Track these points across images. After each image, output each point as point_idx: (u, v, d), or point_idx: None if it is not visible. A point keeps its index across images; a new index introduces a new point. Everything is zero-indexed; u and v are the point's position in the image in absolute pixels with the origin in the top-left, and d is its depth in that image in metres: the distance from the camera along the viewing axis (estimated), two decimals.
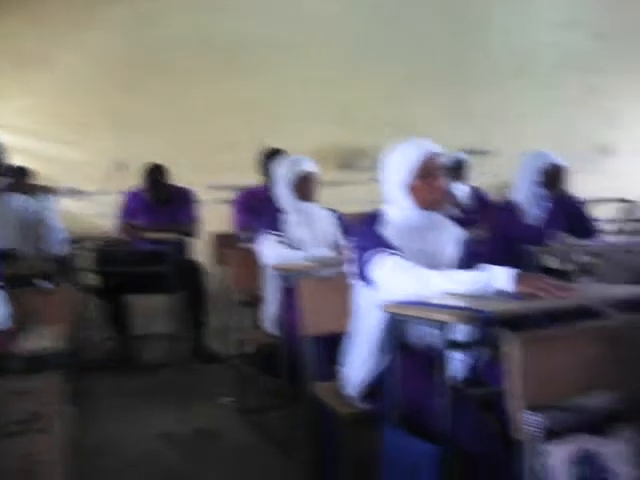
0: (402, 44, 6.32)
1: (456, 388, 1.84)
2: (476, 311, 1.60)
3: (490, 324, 1.59)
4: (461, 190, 4.51)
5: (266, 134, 5.58)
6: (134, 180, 4.76)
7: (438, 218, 2.24)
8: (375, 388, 2.20)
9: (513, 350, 1.47)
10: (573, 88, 7.08)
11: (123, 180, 5.02)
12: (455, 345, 1.78)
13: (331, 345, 2.48)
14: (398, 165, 2.18)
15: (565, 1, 7.12)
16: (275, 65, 5.94)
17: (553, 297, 1.75)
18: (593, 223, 3.78)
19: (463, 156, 4.49)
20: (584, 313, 2.35)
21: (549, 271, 3.62)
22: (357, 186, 5.55)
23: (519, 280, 1.82)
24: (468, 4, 6.66)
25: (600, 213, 6.17)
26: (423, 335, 2.10)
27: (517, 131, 6.66)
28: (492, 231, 3.70)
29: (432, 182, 2.14)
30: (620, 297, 1.84)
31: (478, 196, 4.37)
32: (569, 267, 3.29)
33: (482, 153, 6.52)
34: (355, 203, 4.02)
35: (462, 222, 3.98)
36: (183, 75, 5.63)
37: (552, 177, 3.42)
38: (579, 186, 6.69)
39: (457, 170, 4.46)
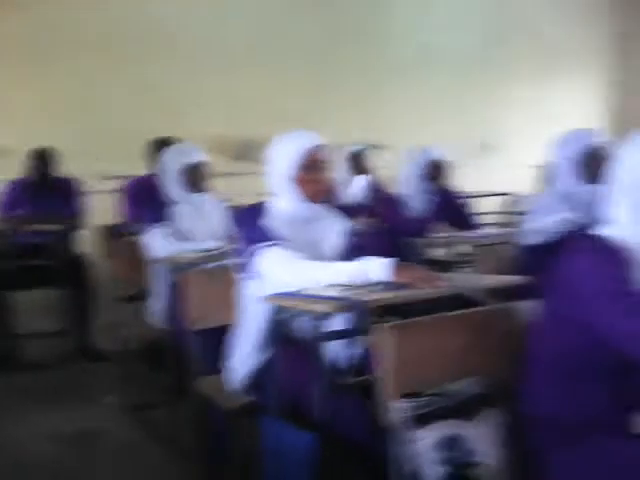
0: (297, 37, 6.34)
1: (333, 377, 1.87)
2: (348, 300, 1.62)
3: (362, 313, 1.62)
4: (359, 182, 4.58)
5: (159, 123, 5.46)
6: (19, 168, 4.53)
7: (323, 210, 2.26)
8: (259, 380, 2.20)
9: (382, 339, 1.50)
10: (463, 85, 7.36)
11: (7, 168, 4.75)
12: (332, 335, 1.81)
13: (219, 338, 2.46)
14: (283, 157, 2.19)
15: (460, 2, 7.37)
16: (169, 55, 5.81)
17: (427, 286, 1.81)
18: (473, 216, 3.95)
19: (361, 148, 4.55)
20: (464, 302, 2.47)
21: (432, 262, 3.76)
22: (253, 177, 5.52)
23: (396, 270, 1.87)
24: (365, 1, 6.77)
25: (487, 206, 6.49)
26: (306, 326, 2.12)
27: (415, 127, 6.86)
28: (382, 223, 3.79)
29: (316, 174, 2.16)
30: (488, 286, 1.92)
31: (375, 189, 4.46)
32: (451, 258, 3.42)
33: (379, 147, 6.66)
34: (251, 195, 4.00)
35: (352, 213, 4.07)
36: (71, 61, 5.40)
37: (435, 171, 3.54)
38: (467, 180, 7.02)
39: (356, 162, 4.52)
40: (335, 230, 2.29)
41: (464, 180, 6.91)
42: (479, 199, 6.39)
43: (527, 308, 1.72)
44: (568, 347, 1.47)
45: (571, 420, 1.50)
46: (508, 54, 7.65)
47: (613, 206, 1.48)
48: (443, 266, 3.60)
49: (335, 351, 2.05)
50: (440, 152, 3.63)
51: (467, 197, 6.08)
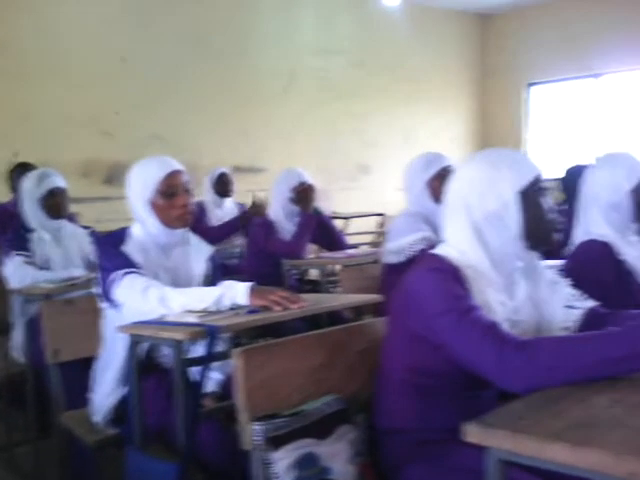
0: (168, 60, 6.29)
1: (196, 404, 1.86)
2: (202, 326, 1.63)
3: (217, 338, 1.63)
4: (226, 206, 4.59)
5: (25, 147, 5.24)
6: None
7: (183, 235, 2.25)
8: (122, 412, 2.14)
9: (237, 363, 1.51)
10: (335, 111, 7.58)
11: None
12: (191, 362, 1.80)
13: (84, 371, 2.38)
14: (140, 183, 2.16)
15: (327, 29, 7.59)
16: (36, 74, 5.59)
17: (285, 308, 1.84)
18: (345, 236, 4.07)
19: (225, 171, 4.58)
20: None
21: (305, 282, 3.83)
22: (123, 201, 5.39)
23: (253, 294, 1.88)
24: (238, 23, 6.82)
25: (362, 226, 6.69)
26: (168, 354, 2.09)
27: (286, 150, 6.97)
28: (251, 246, 3.82)
29: (175, 200, 2.14)
30: (345, 305, 1.98)
31: (244, 211, 4.49)
32: (322, 278, 3.50)
33: (254, 170, 6.72)
34: (121, 219, 3.90)
35: (218, 238, 4.08)
36: None
37: (302, 194, 3.62)
38: (343, 202, 7.23)
39: (221, 185, 4.54)
40: (197, 255, 2.28)
41: (341, 201, 7.16)
42: (355, 220, 6.61)
43: (383, 325, 1.78)
44: (416, 362, 1.54)
45: (423, 433, 1.56)
46: (378, 79, 7.97)
47: (451, 226, 1.57)
48: (315, 286, 3.68)
49: (200, 377, 2.04)
50: (308, 175, 3.71)
51: (341, 218, 6.27)
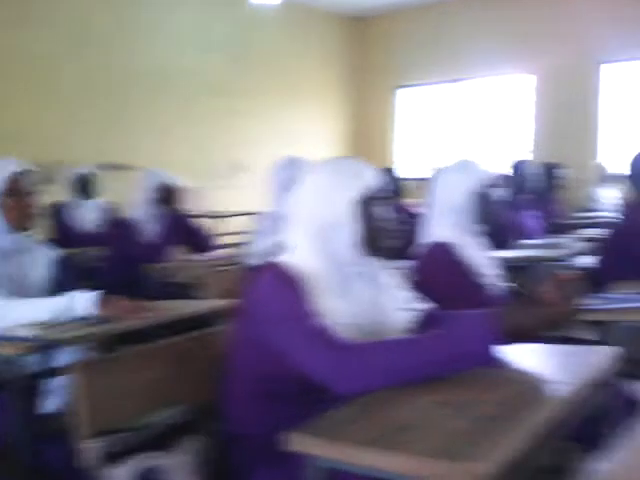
0: (37, 52, 5.96)
1: (39, 420, 1.77)
2: (38, 340, 1.55)
3: (48, 352, 1.56)
4: (89, 207, 4.40)
5: None
6: None
7: (26, 240, 2.13)
8: None
9: (76, 377, 1.45)
10: (212, 108, 7.49)
11: None
12: (28, 377, 1.71)
13: None
14: None
15: (203, 26, 7.48)
16: None
17: (134, 317, 1.79)
18: (212, 237, 4.01)
19: (89, 171, 4.39)
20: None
21: (171, 286, 3.73)
22: None
23: (101, 304, 1.82)
24: (111, 17, 6.58)
25: (239, 226, 6.64)
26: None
27: (161, 147, 6.80)
28: (112, 250, 3.68)
29: (18, 201, 2.05)
30: (196, 312, 1.95)
31: (108, 213, 4.33)
32: (187, 282, 3.42)
33: (125, 168, 6.49)
34: None
35: (80, 240, 3.91)
36: None
37: (166, 195, 3.54)
38: (221, 200, 7.15)
39: (83, 186, 4.34)
40: (41, 261, 2.17)
41: (219, 200, 7.08)
42: (234, 219, 6.54)
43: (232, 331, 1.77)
44: (260, 368, 1.54)
45: (270, 439, 1.57)
46: (256, 78, 7.95)
47: (293, 233, 1.59)
48: (182, 290, 3.59)
49: (50, 392, 1.94)
50: (171, 175, 3.62)
51: (215, 217, 6.18)
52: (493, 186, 2.25)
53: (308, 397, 1.54)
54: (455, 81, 8.72)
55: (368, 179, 1.54)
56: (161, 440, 1.55)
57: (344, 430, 1.02)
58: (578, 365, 1.34)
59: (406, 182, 4.94)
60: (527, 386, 1.21)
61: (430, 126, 9.11)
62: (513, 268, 3.04)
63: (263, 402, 1.57)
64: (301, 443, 1.00)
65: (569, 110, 7.79)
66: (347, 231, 1.51)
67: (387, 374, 1.28)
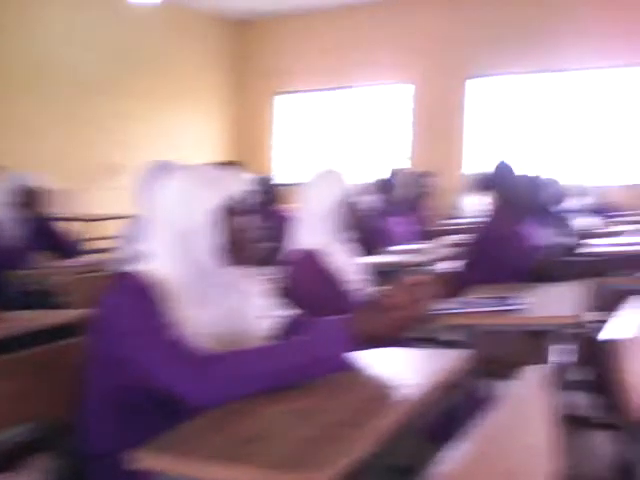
0: None
1: None
2: None
3: None
4: None
5: None
6: None
7: None
8: None
9: None
10: (88, 109, 7.20)
11: None
12: None
13: None
14: None
15: (80, 23, 7.18)
16: None
17: None
18: (75, 243, 3.84)
19: None
20: None
21: (31, 294, 3.54)
22: None
23: None
24: None
25: (110, 230, 6.40)
26: None
27: (32, 148, 6.45)
28: None
29: None
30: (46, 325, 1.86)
31: None
32: (50, 289, 3.25)
33: None
34: None
35: None
36: None
37: (28, 198, 3.36)
38: (97, 203, 6.86)
39: None
40: None
41: (95, 203, 6.80)
42: (103, 222, 6.29)
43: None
44: (115, 382, 1.49)
45: (123, 455, 1.51)
46: (136, 78, 7.73)
47: (152, 239, 1.55)
48: (42, 298, 3.41)
49: None
50: (36, 177, 3.44)
51: (86, 221, 5.92)
52: (359, 194, 2.32)
53: (166, 411, 1.51)
54: (337, 89, 8.89)
55: (230, 187, 1.52)
56: (9, 460, 1.46)
57: (191, 444, 1.01)
58: (430, 368, 1.39)
59: (284, 188, 4.97)
60: (378, 391, 1.24)
61: (312, 133, 9.23)
62: (382, 273, 3.14)
63: (120, 418, 1.52)
64: (147, 460, 0.97)
65: (440, 121, 8.17)
66: (206, 240, 1.49)
67: (244, 384, 1.28)
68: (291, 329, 1.65)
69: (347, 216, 2.25)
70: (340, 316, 1.40)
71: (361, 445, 0.98)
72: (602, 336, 1.69)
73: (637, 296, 2.09)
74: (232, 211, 1.51)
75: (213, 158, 7.59)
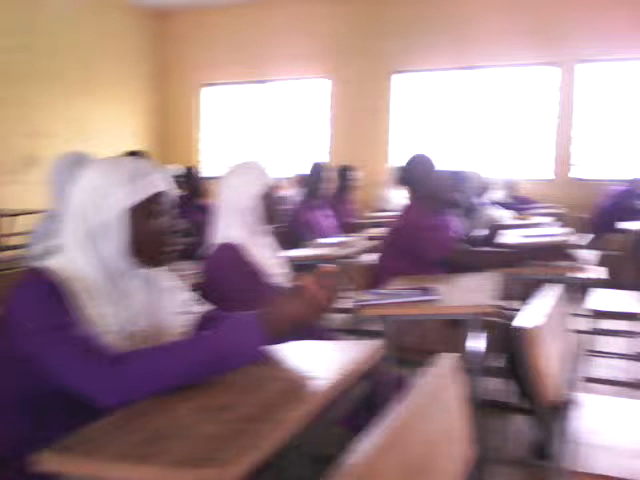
0: None
1: None
2: None
3: None
4: None
5: None
6: None
7: None
8: None
9: None
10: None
11: None
12: None
13: None
14: None
15: None
16: None
17: None
18: None
19: None
20: None
21: None
22: None
23: None
24: None
25: (22, 225, 6.16)
26: None
27: None
28: None
29: None
30: None
31: None
32: None
33: None
34: None
35: None
36: None
37: None
38: (8, 198, 6.58)
39: None
40: None
41: (4, 197, 6.50)
42: (15, 217, 6.04)
43: None
44: (22, 383, 1.42)
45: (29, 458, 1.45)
46: (49, 66, 7.44)
47: (64, 234, 1.49)
48: None
49: None
50: None
51: None
52: (282, 187, 2.31)
53: (76, 411, 1.46)
54: (259, 82, 8.84)
55: (148, 186, 1.47)
56: None
57: (96, 444, 0.97)
58: (343, 359, 1.40)
59: (210, 181, 4.91)
60: (289, 384, 1.24)
61: (237, 126, 9.17)
62: (304, 267, 3.15)
63: (28, 420, 1.46)
64: (50, 462, 0.93)
65: (364, 115, 8.25)
66: (119, 238, 1.45)
67: (154, 382, 1.24)
68: (207, 324, 1.62)
69: (268, 209, 2.24)
70: (254, 310, 1.39)
71: (269, 440, 0.97)
72: (515, 324, 1.74)
73: (549, 285, 2.17)
74: (147, 210, 1.46)
75: (138, 148, 7.41)
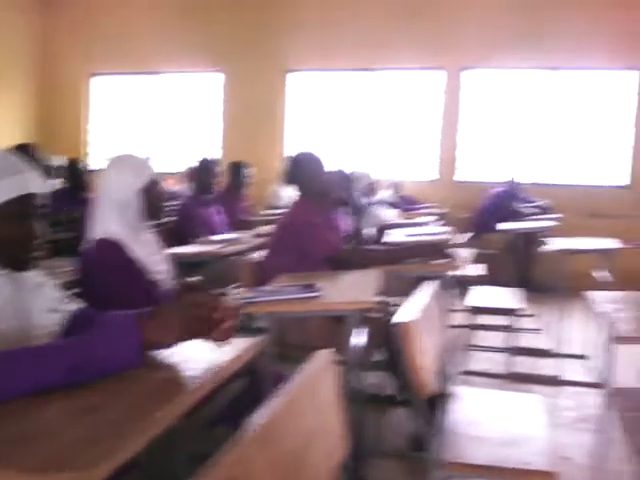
0: None
1: None
2: None
3: None
4: None
5: None
6: None
7: None
8: None
9: None
10: None
11: None
12: None
13: None
14: None
15: None
16: None
17: None
18: None
19: None
20: None
21: None
22: None
23: None
24: None
25: None
26: None
27: None
28: None
29: None
30: None
31: None
32: None
33: None
34: None
35: None
36: None
37: None
38: None
39: None
40: None
41: None
42: None
43: None
44: None
45: None
46: None
47: None
48: None
49: None
50: None
51: None
52: (167, 182, 2.26)
53: None
54: (151, 74, 8.63)
55: (10, 182, 1.38)
56: None
57: None
58: (219, 356, 1.39)
59: (95, 173, 4.73)
60: (160, 384, 1.22)
61: (127, 118, 8.90)
62: (191, 264, 3.11)
63: None
64: None
65: (257, 112, 8.24)
66: None
67: (21, 384, 1.18)
68: (80, 323, 1.56)
69: (149, 204, 2.18)
70: (133, 311, 1.36)
71: (134, 441, 0.95)
72: (394, 319, 1.80)
73: (428, 282, 2.26)
74: (9, 212, 1.38)
75: (16, 138, 7.03)
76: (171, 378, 1.26)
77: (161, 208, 2.23)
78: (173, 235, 3.89)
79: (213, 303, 1.36)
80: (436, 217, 5.60)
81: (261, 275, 2.90)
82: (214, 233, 4.10)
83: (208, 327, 1.34)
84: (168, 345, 1.34)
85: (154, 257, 2.22)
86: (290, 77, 8.28)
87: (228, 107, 8.40)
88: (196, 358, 1.37)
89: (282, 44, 8.05)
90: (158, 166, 2.24)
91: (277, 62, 8.15)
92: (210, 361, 1.35)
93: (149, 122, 8.80)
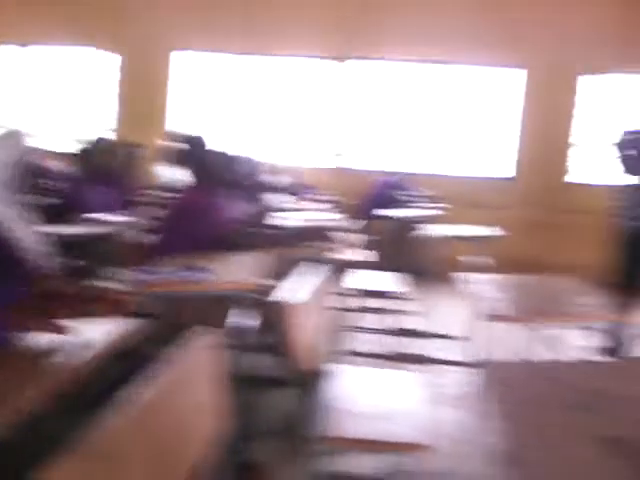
0: None
1: None
2: None
3: None
4: None
5: None
6: None
7: None
8: None
9: None
10: None
11: None
12: None
13: None
14: None
15: None
16: None
17: None
18: None
19: None
20: None
21: None
22: None
23: None
24: None
25: None
26: None
27: None
28: None
29: None
30: None
31: None
32: None
33: None
34: None
35: None
36: None
37: None
38: None
39: None
40: None
41: None
42: None
43: None
44: None
45: None
46: None
47: None
48: None
49: None
50: None
51: None
52: (48, 158, 2.18)
53: None
54: (39, 44, 8.17)
55: None
56: None
57: None
58: (100, 337, 1.38)
59: None
60: (30, 366, 1.20)
61: (16, 90, 8.40)
62: (80, 244, 3.01)
63: None
64: None
65: (145, 92, 8.01)
66: None
67: None
68: None
69: (25, 181, 2.08)
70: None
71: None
72: (275, 300, 1.83)
73: (307, 263, 2.31)
74: None
75: None
76: (41, 361, 1.23)
77: (35, 184, 2.14)
78: (60, 214, 3.74)
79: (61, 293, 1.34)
80: (329, 203, 5.68)
81: (148, 256, 2.85)
82: (100, 213, 3.97)
83: (46, 319, 1.32)
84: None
85: (28, 236, 2.12)
86: (175, 56, 8.07)
87: (122, 87, 8.12)
88: (71, 338, 1.34)
89: (166, 21, 7.86)
90: (43, 143, 2.15)
91: (162, 40, 7.94)
92: (86, 343, 1.33)
93: (34, 98, 8.35)
